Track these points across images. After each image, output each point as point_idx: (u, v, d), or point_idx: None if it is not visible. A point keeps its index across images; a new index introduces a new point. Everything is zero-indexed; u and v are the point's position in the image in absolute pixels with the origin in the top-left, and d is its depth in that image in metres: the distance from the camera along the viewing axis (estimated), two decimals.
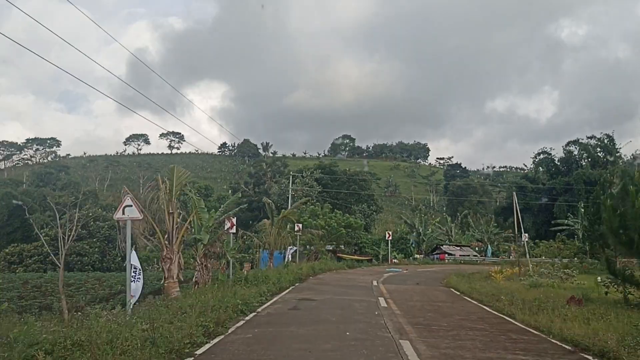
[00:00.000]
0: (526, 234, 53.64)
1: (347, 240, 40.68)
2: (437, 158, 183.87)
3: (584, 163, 77.74)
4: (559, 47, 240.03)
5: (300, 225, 32.61)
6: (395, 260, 49.06)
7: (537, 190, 75.70)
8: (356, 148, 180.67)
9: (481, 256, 52.44)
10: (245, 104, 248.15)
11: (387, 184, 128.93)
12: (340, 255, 51.52)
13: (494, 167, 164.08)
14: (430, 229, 53.25)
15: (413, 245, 53.13)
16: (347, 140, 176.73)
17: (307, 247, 36.63)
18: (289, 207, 44.33)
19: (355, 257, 53.35)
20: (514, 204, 38.55)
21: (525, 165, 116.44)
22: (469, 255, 51.03)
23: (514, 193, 35.54)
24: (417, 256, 51.01)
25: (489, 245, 54.73)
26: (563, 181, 72.70)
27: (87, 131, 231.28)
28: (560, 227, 56.74)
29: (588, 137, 78.40)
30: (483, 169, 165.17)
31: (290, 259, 30.22)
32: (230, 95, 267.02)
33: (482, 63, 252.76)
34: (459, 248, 53.33)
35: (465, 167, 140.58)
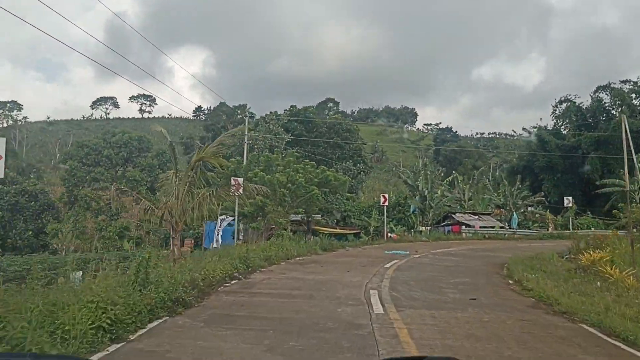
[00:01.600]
0: (570, 198, 42.22)
1: (324, 206, 28.37)
2: (425, 124, 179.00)
3: (615, 112, 65.77)
4: (548, 13, 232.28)
5: (241, 180, 19.96)
6: (392, 235, 37.06)
7: (560, 148, 63.69)
8: (341, 112, 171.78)
9: (508, 227, 40.58)
10: (228, 70, 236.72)
11: (373, 149, 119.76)
12: (317, 228, 39.46)
13: (482, 133, 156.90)
14: (439, 191, 41.00)
15: (415, 214, 41.05)
16: (331, 104, 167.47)
17: (259, 217, 24.09)
18: (244, 162, 31.51)
19: (337, 230, 41.36)
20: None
21: (514, 132, 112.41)
22: (493, 227, 39.11)
23: (623, 116, 22.97)
24: (422, 229, 38.98)
25: (514, 214, 42.93)
26: (592, 137, 60.59)
27: (66, 100, 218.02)
28: (599, 190, 45.25)
29: (621, 82, 66.19)
30: (472, 135, 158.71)
31: (230, 238, 17.83)
32: (211, 62, 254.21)
33: (470, 29, 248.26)
34: (477, 217, 41.45)
35: (456, 132, 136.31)
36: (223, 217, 21.26)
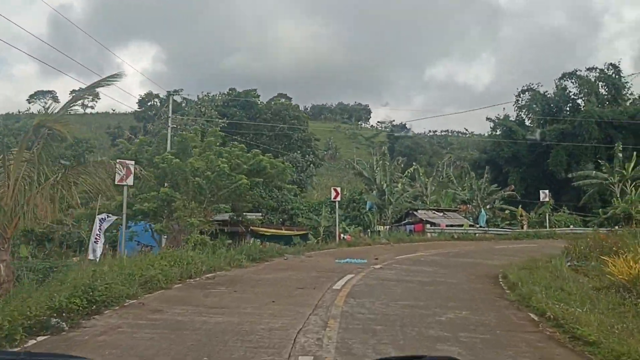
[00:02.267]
0: (546, 191, 38.16)
1: (259, 201, 22.69)
2: (379, 121, 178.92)
3: (582, 102, 63.04)
4: (497, 14, 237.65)
5: (131, 164, 13.95)
6: (345, 237, 31.80)
7: (526, 139, 60.24)
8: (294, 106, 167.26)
9: (476, 226, 36.02)
10: (179, 67, 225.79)
11: (327, 146, 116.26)
12: (256, 229, 33.73)
13: (435, 131, 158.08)
14: (400, 185, 35.95)
15: (372, 211, 35.88)
16: (284, 100, 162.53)
17: (163, 216, 18.00)
18: (168, 148, 25.21)
19: (282, 231, 35.73)
20: None
21: (466, 130, 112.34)
22: (461, 226, 34.40)
23: None
24: (380, 228, 33.83)
25: (482, 210, 38.48)
26: (557, 128, 57.30)
27: (8, 97, 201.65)
28: (574, 183, 41.66)
29: (587, 69, 63.46)
30: (425, 132, 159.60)
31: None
32: (162, 57, 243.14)
33: (423, 29, 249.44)
34: (442, 214, 36.67)
35: (409, 129, 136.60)
36: (103, 216, 15.20)
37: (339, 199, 28.34)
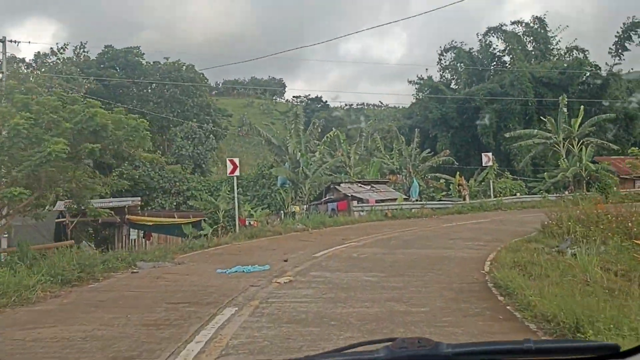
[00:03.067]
0: (489, 154, 33.24)
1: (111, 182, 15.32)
2: (294, 96, 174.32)
3: (508, 59, 59.58)
4: None
5: None
6: (252, 222, 25.23)
7: (453, 100, 55.97)
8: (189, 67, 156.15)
9: (411, 200, 30.52)
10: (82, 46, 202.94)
11: (240, 122, 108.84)
12: (134, 218, 26.63)
13: (351, 104, 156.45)
14: (318, 154, 29.51)
15: (285, 188, 29.32)
16: (192, 75, 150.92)
17: None
18: None
19: (168, 219, 28.56)
20: None
21: (381, 102, 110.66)
22: (394, 201, 28.68)
23: None
24: (295, 209, 27.37)
25: (414, 180, 33.05)
26: (485, 87, 53.36)
27: None
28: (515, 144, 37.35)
29: (513, 23, 59.93)
30: (342, 106, 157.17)
31: None
32: (62, 36, 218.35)
33: (336, 3, 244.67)
34: (369, 188, 30.74)
35: (326, 102, 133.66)
36: None
37: (237, 173, 21.31)
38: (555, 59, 56.85)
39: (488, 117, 49.50)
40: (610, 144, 34.59)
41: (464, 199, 30.11)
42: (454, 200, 31.47)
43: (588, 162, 32.10)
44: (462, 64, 60.60)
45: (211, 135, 41.23)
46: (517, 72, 49.08)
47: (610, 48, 51.69)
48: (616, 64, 49.73)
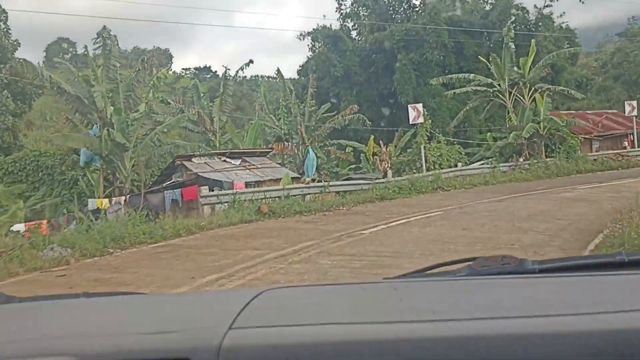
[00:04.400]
0: (419, 106, 22.75)
1: None
2: (183, 68, 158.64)
3: (418, 1, 50.16)
4: None
5: None
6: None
7: (356, 51, 45.80)
8: (79, 55, 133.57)
9: (306, 180, 19.87)
10: None
11: None
12: None
13: (245, 76, 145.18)
14: (143, 107, 17.70)
15: (93, 166, 17.43)
16: (66, 45, 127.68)
17: None
18: None
19: None
20: None
21: (277, 74, 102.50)
22: (277, 182, 17.89)
23: None
24: (97, 203, 15.60)
25: (309, 150, 22.53)
26: (397, 32, 43.57)
27: None
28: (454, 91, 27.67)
29: None
30: (235, 78, 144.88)
31: None
32: None
33: None
34: (238, 163, 19.68)
35: (215, 72, 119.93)
36: None
37: None
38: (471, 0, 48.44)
39: (404, 69, 39.88)
40: (572, 92, 26.13)
41: (385, 175, 20.00)
42: (370, 177, 21.24)
43: (552, 117, 23.25)
44: (364, 9, 50.59)
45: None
46: (432, 11, 39.82)
47: None
48: (547, 5, 42.06)
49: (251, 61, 54.73)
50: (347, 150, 25.90)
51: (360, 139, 27.39)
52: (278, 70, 26.79)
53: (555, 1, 42.71)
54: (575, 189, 16.97)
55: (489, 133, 25.55)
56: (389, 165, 20.83)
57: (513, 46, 25.62)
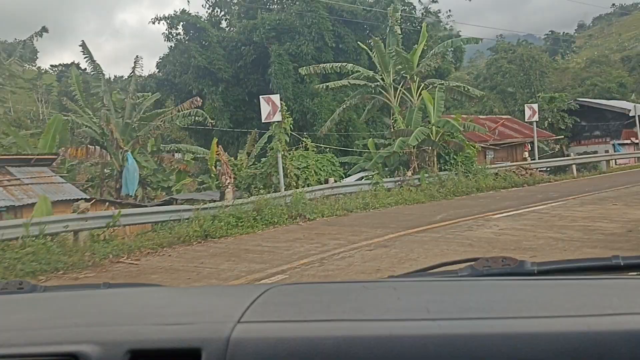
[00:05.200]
0: (275, 97, 16.37)
1: None
2: (52, 65, 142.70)
3: None
4: None
5: None
6: None
7: (222, 43, 39.23)
8: None
9: (121, 198, 12.96)
10: None
11: None
12: None
13: (121, 76, 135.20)
14: None
15: None
16: None
17: None
18: None
19: None
20: None
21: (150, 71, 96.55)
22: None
23: None
24: None
25: (129, 157, 15.66)
26: (270, 22, 37.76)
27: None
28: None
29: None
30: (110, 78, 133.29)
31: None
32: None
33: None
34: None
35: (85, 69, 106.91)
36: None
37: None
38: None
39: (282, 62, 33.99)
40: (470, 90, 21.57)
41: (222, 195, 13.77)
42: (205, 196, 14.83)
43: (447, 120, 18.31)
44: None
45: None
46: (312, 4, 34.42)
47: None
48: (433, 1, 38.48)
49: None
50: (186, 158, 19.27)
51: (204, 142, 20.95)
52: (134, 62, 19.44)
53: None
54: (487, 218, 11.86)
55: (370, 139, 20.27)
56: (231, 181, 14.54)
57: (399, 31, 20.62)
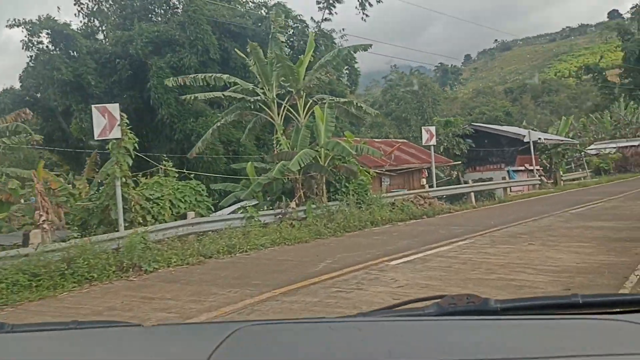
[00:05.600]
0: (113, 107, 12.63)
1: None
2: None
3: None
4: None
5: None
6: None
7: (94, 55, 34.54)
8: None
9: None
10: None
11: None
12: None
13: None
14: None
15: None
16: None
17: None
18: None
19: None
20: None
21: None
22: None
23: None
24: None
25: None
26: (149, 33, 33.81)
27: None
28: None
29: None
30: None
31: None
32: None
33: None
34: None
35: None
36: None
37: None
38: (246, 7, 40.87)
39: (161, 73, 30.09)
40: (364, 107, 18.99)
41: (25, 239, 9.90)
42: (12, 238, 10.79)
43: (337, 142, 15.55)
44: (112, 5, 39.55)
45: None
46: (190, 9, 31.00)
47: None
48: (325, 19, 36.52)
49: None
50: (10, 186, 14.90)
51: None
52: None
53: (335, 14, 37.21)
54: (383, 267, 9.02)
55: (249, 163, 17.05)
56: (47, 218, 10.65)
57: (283, 39, 17.80)
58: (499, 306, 1.32)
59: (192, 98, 17.20)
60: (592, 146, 36.12)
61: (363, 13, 37.00)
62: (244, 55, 18.01)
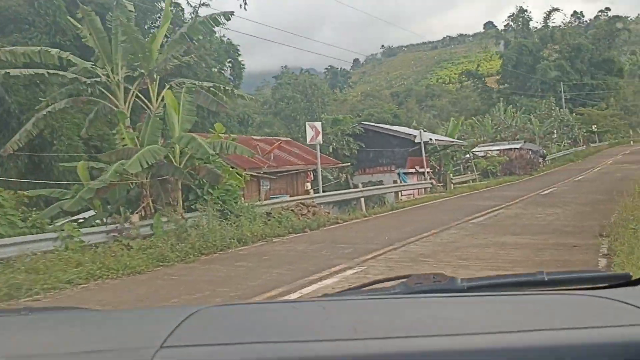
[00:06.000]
0: None
1: None
2: None
3: None
4: None
5: None
6: None
7: None
8: None
9: None
10: None
11: None
12: None
13: None
14: None
15: None
16: None
17: None
18: None
19: None
20: None
21: None
22: None
23: None
24: None
25: None
26: None
27: None
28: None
29: None
30: None
31: None
32: None
33: None
34: None
35: None
36: None
37: None
38: None
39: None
40: (236, 92, 15.54)
41: None
42: None
43: (193, 137, 12.06)
44: None
45: None
46: None
47: None
48: (204, 4, 32.66)
49: None
50: None
51: None
52: None
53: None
54: None
55: (81, 162, 13.07)
56: None
57: (132, 8, 13.98)
58: (465, 284, 1.32)
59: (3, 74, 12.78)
60: (476, 148, 35.85)
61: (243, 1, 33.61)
62: (77, 24, 13.91)
